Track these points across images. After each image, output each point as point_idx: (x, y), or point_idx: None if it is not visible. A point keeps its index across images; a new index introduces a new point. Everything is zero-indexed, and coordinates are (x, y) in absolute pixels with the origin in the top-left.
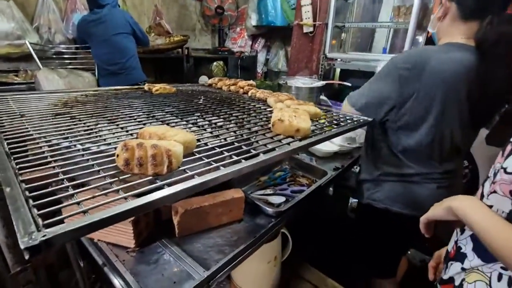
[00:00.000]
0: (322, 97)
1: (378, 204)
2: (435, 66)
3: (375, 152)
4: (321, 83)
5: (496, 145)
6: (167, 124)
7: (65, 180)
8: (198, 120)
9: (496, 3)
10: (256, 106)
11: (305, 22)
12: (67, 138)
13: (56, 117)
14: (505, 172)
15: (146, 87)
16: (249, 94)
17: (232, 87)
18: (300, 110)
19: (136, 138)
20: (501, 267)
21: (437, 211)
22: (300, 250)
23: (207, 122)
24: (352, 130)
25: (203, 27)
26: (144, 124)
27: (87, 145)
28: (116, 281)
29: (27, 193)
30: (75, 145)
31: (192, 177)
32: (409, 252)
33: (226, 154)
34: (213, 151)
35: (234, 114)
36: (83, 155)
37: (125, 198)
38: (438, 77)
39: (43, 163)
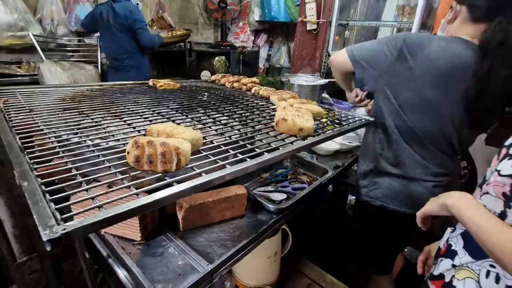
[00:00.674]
0: (324, 95)
1: (375, 202)
2: (432, 51)
3: (372, 147)
4: (324, 81)
5: (495, 146)
6: (173, 121)
7: (78, 176)
8: (203, 117)
9: (509, 5)
10: (259, 103)
11: (309, 19)
12: (76, 133)
13: (65, 112)
14: (499, 174)
15: (150, 82)
16: (252, 91)
17: (235, 84)
18: (303, 109)
19: (144, 135)
20: (490, 265)
21: (432, 206)
22: (300, 246)
23: (211, 120)
24: (355, 129)
25: (205, 21)
26: (150, 120)
27: (96, 141)
28: (120, 272)
29: (43, 187)
30: (85, 141)
31: (199, 174)
32: (405, 250)
33: (232, 152)
34: (218, 149)
35: (238, 112)
36: (93, 151)
37: (137, 194)
38: (432, 61)
39: (56, 158)
